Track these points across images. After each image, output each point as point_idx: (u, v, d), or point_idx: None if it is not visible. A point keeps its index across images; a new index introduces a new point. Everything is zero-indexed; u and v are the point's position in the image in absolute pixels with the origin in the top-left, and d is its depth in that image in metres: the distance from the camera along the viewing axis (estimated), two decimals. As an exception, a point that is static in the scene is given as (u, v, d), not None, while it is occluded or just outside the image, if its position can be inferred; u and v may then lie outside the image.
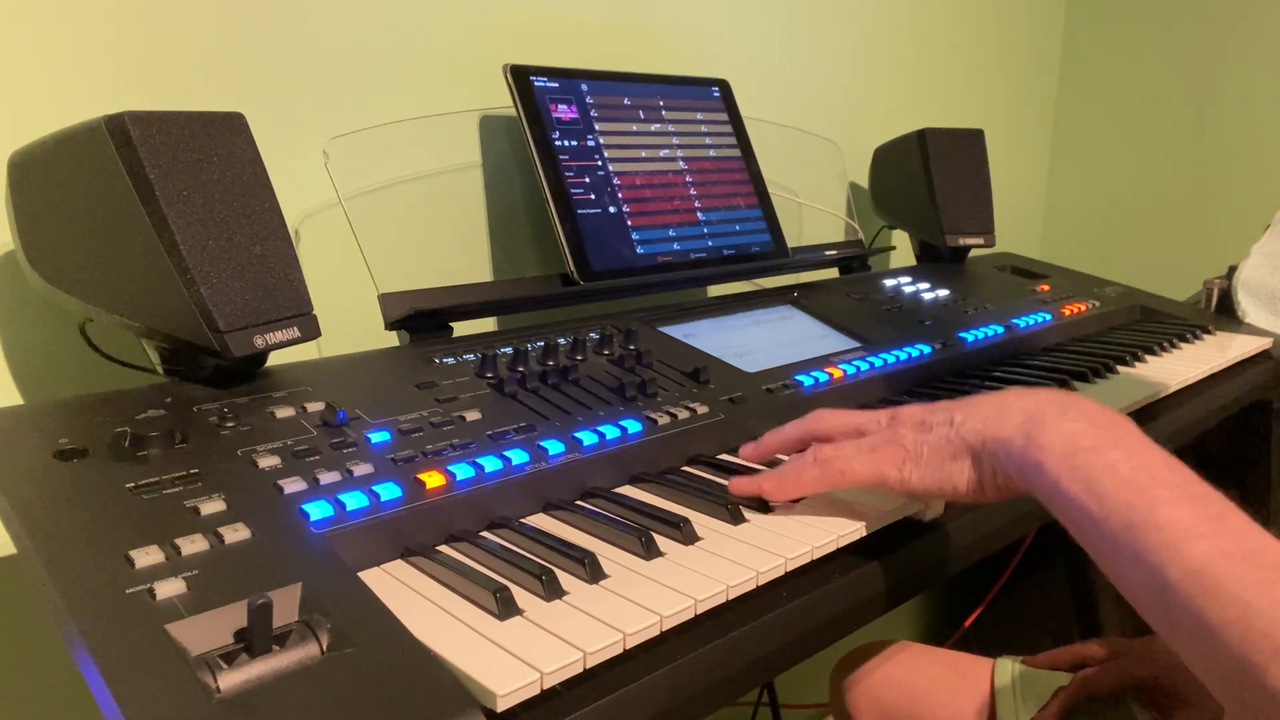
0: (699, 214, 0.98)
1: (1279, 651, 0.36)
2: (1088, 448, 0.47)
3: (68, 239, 0.61)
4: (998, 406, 0.53)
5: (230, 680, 0.38)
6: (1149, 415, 0.89)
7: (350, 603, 0.43)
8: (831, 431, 0.61)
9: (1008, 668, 0.84)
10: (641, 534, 0.54)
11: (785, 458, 0.65)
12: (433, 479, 0.56)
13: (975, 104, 1.72)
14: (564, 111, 0.90)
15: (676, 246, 0.95)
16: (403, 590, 0.50)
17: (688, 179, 0.99)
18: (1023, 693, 0.81)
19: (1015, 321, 1.08)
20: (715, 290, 1.16)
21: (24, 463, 0.50)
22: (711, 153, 1.02)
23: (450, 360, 0.72)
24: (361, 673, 0.39)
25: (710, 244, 0.98)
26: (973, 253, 1.34)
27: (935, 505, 0.61)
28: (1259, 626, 0.37)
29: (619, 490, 0.64)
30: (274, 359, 0.67)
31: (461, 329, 0.81)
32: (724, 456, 0.70)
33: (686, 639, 0.47)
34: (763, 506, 0.60)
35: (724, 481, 0.63)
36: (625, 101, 0.96)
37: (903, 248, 1.46)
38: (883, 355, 0.90)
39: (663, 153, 0.98)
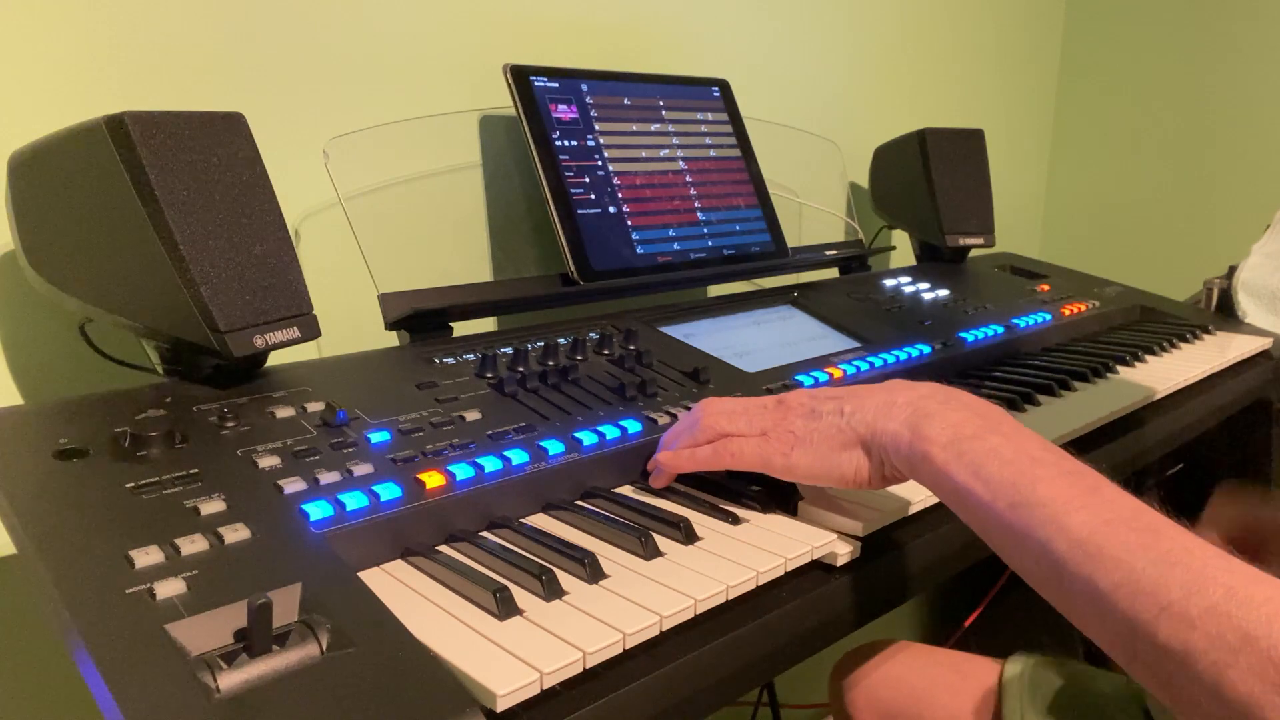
0: (699, 214, 0.98)
1: (1164, 609, 0.38)
2: (970, 435, 0.50)
3: (68, 239, 0.61)
4: (886, 399, 0.55)
5: (230, 680, 0.38)
6: (1149, 415, 0.89)
7: (350, 603, 0.43)
8: (718, 418, 0.62)
9: (1016, 667, 0.84)
10: (641, 534, 0.54)
11: None
12: (433, 479, 0.56)
13: (975, 104, 1.72)
14: (564, 111, 0.90)
15: (676, 246, 0.95)
16: (403, 590, 0.50)
17: (688, 179, 0.99)
18: (1029, 692, 0.80)
19: (1015, 321, 1.08)
20: (715, 290, 1.16)
21: (24, 463, 0.50)
22: (712, 153, 1.02)
23: (450, 360, 0.72)
24: (361, 673, 0.39)
25: (710, 244, 0.98)
26: (973, 253, 1.34)
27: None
28: (1144, 586, 0.39)
29: (619, 490, 0.64)
30: (274, 359, 0.67)
31: (461, 329, 0.81)
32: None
33: (686, 639, 0.47)
34: (763, 506, 0.60)
35: (724, 483, 0.63)
36: (625, 101, 0.96)
37: (903, 248, 1.46)
38: (883, 355, 0.90)
39: (663, 153, 0.98)
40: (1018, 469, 0.47)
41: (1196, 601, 0.37)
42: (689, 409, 0.71)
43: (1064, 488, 0.45)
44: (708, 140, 1.02)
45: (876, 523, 0.59)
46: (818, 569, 0.56)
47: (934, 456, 0.50)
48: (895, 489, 0.63)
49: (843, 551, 0.56)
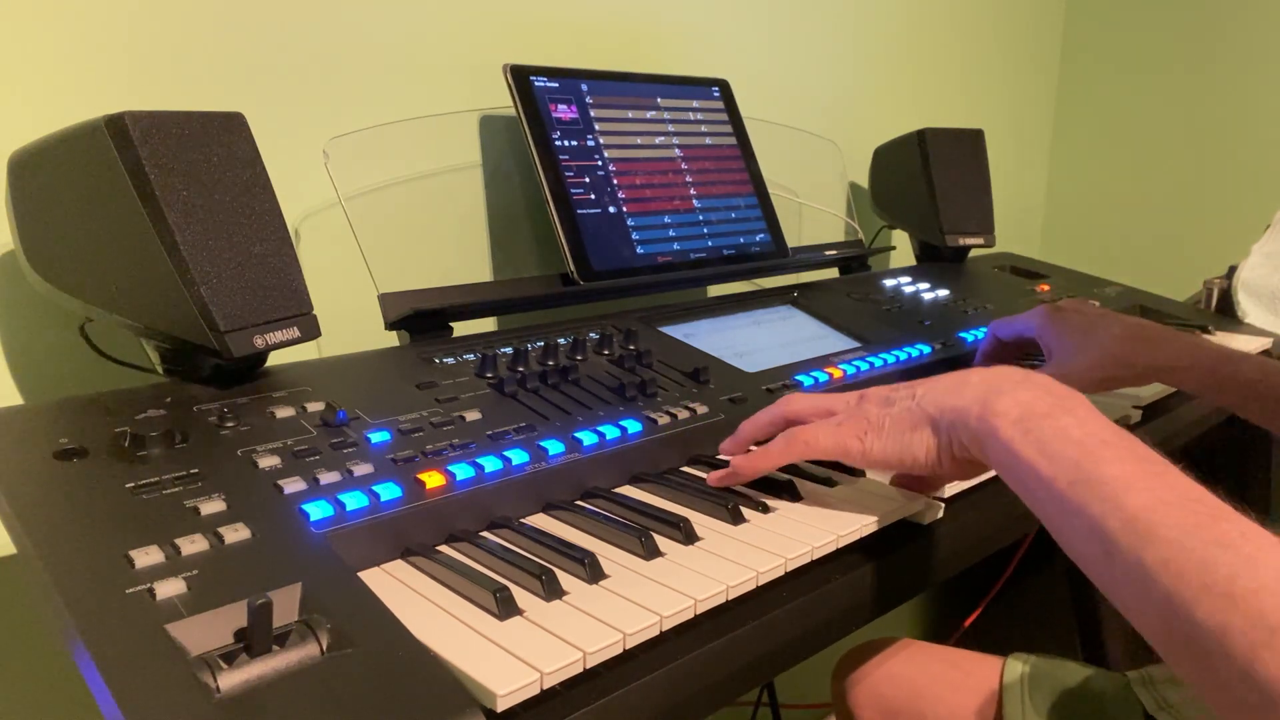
0: (699, 214, 0.98)
1: (1207, 587, 0.38)
2: (1042, 414, 0.49)
3: (68, 239, 0.61)
4: (959, 380, 0.55)
5: (230, 680, 0.38)
6: (1150, 415, 0.89)
7: (350, 603, 0.43)
8: (802, 413, 0.62)
9: (1018, 666, 0.83)
10: (641, 534, 0.54)
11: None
12: (433, 479, 0.56)
13: (975, 104, 1.72)
14: (564, 111, 0.90)
15: (676, 246, 0.95)
16: (403, 590, 0.50)
17: (688, 179, 0.99)
18: (1031, 690, 0.80)
19: (1015, 321, 1.08)
20: (715, 290, 1.16)
21: (24, 463, 0.50)
22: (711, 153, 1.02)
23: (450, 360, 0.72)
24: (361, 673, 0.39)
25: (710, 244, 0.98)
26: (973, 253, 1.34)
27: (934, 509, 0.61)
28: (1191, 565, 0.39)
29: (619, 490, 0.64)
30: (274, 359, 0.67)
31: (461, 329, 0.81)
32: (724, 456, 0.70)
33: (686, 639, 0.47)
34: (764, 507, 0.60)
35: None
36: (625, 101, 0.96)
37: (903, 248, 1.46)
38: (883, 355, 0.90)
39: (663, 153, 0.98)
40: (1085, 449, 0.46)
41: (1242, 582, 0.37)
42: (690, 409, 0.71)
43: (1129, 469, 0.44)
44: (708, 140, 1.02)
45: (879, 522, 0.59)
46: (819, 568, 0.56)
47: (1001, 431, 0.50)
48: None
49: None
